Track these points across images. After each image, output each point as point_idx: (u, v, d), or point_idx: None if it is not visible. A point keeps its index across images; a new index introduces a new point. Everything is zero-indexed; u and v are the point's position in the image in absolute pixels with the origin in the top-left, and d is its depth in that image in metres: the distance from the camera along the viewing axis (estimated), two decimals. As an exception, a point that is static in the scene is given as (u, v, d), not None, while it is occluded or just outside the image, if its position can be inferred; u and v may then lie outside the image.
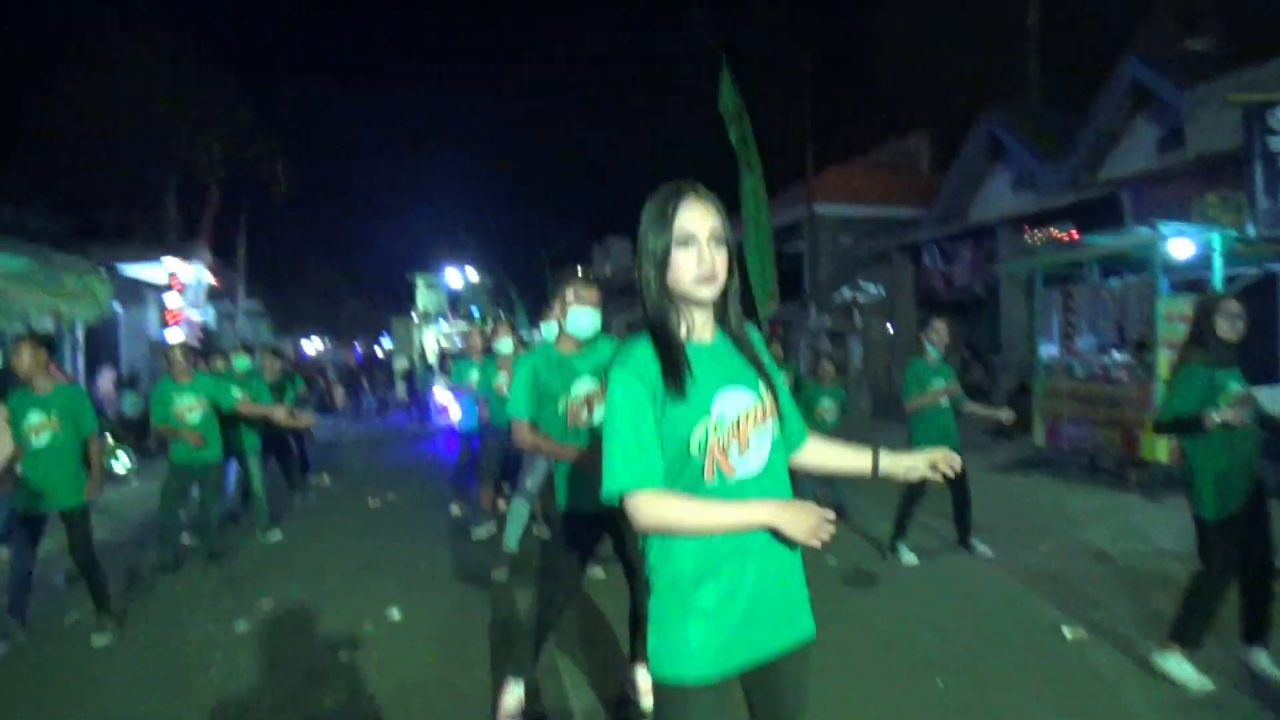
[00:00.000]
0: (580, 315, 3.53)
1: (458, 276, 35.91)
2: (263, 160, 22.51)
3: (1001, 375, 14.01)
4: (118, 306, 17.20)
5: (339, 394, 24.56)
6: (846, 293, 17.77)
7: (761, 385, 1.86)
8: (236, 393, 6.51)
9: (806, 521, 1.69)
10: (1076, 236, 11.52)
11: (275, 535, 7.22)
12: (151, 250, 18.07)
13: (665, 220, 1.77)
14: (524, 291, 42.75)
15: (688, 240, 1.76)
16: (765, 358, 1.94)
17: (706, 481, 1.76)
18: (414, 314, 37.69)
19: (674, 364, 1.76)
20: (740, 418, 1.78)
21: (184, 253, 17.42)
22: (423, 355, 30.32)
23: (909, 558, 6.15)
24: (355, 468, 12.45)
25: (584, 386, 3.55)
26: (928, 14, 19.80)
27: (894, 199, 18.21)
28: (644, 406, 1.74)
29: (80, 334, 15.17)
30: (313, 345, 38.59)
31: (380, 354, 43.15)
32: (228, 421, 6.72)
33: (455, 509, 8.10)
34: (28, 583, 4.79)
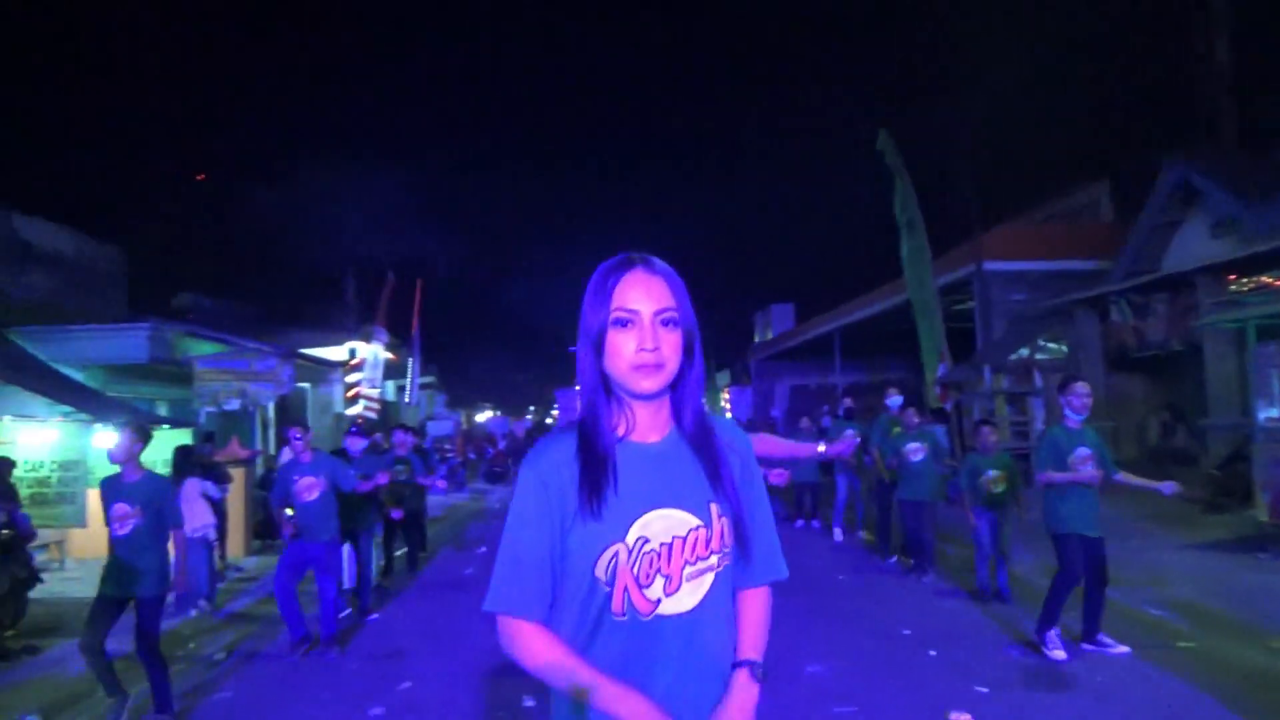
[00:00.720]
0: None
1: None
2: (432, 244, 23.85)
3: (1210, 440, 12.57)
4: (305, 384, 18.44)
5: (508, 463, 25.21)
6: (1024, 352, 16.63)
7: (714, 507, 1.53)
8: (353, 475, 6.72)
9: None
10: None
11: (373, 617, 7.38)
12: (334, 332, 19.40)
13: (603, 294, 1.51)
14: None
15: (626, 319, 1.48)
16: (739, 468, 1.61)
17: (615, 614, 1.46)
18: (577, 385, 38.48)
19: (593, 471, 1.48)
20: (672, 545, 1.47)
21: (363, 333, 18.49)
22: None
23: (1058, 652, 5.50)
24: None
25: None
26: (1098, 57, 18.73)
27: (1071, 252, 17.02)
28: (541, 519, 1.48)
29: (271, 411, 16.30)
30: (484, 416, 40.01)
31: (548, 423, 44.28)
32: (351, 502, 7.00)
33: None
34: (103, 661, 4.83)
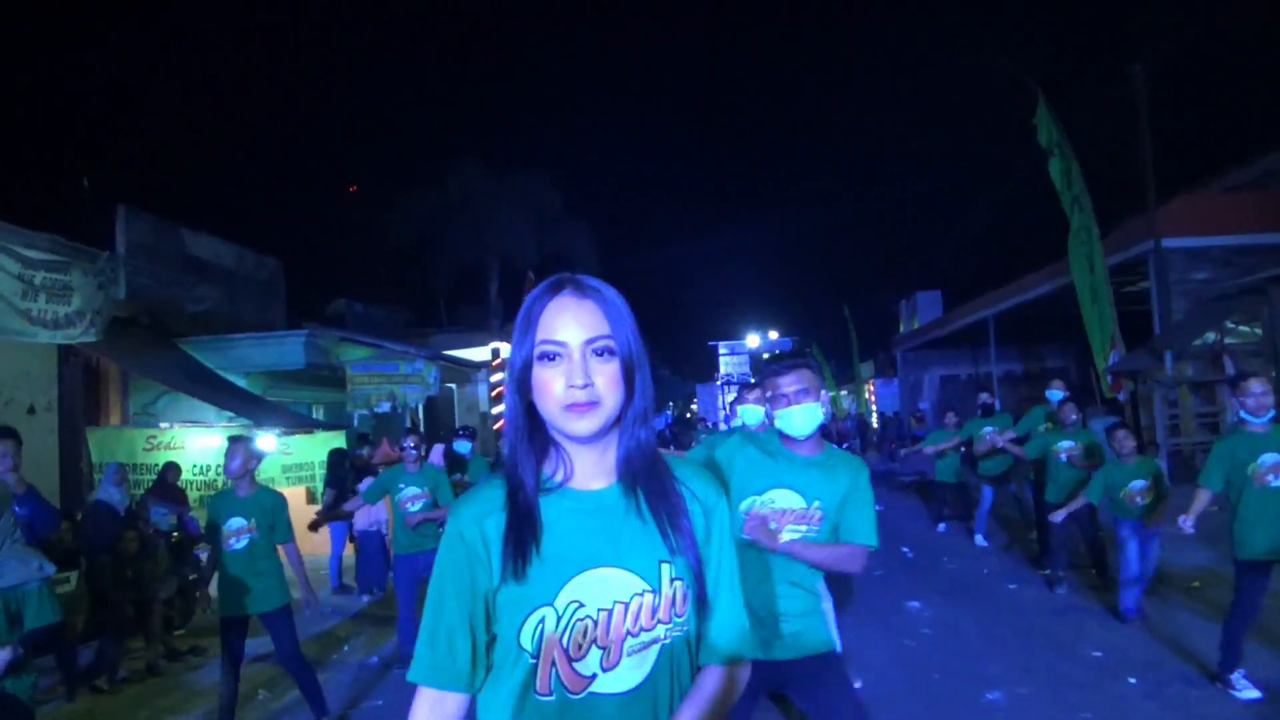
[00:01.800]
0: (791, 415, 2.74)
1: (757, 339, 35.87)
2: (572, 242, 24.14)
3: None
4: (452, 385, 18.89)
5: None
6: (1211, 336, 15.11)
7: (666, 568, 1.30)
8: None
9: None
10: None
11: None
12: (478, 334, 19.81)
13: (528, 324, 1.31)
14: (828, 350, 42.02)
15: (553, 352, 1.28)
16: (702, 519, 1.37)
17: (538, 693, 1.26)
18: (718, 380, 38.17)
19: (516, 525, 1.29)
20: (612, 611, 1.26)
21: (506, 333, 18.74)
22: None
23: (1249, 692, 4.65)
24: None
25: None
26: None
27: (1262, 224, 15.31)
28: (458, 578, 1.30)
29: (420, 412, 16.72)
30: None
31: (689, 416, 44.29)
32: None
33: None
34: (232, 689, 4.74)
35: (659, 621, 1.29)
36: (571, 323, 1.29)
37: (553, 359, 1.29)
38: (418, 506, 6.09)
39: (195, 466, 10.14)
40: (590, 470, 1.35)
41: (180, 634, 7.04)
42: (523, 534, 1.29)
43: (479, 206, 22.59)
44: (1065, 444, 7.62)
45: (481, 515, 1.32)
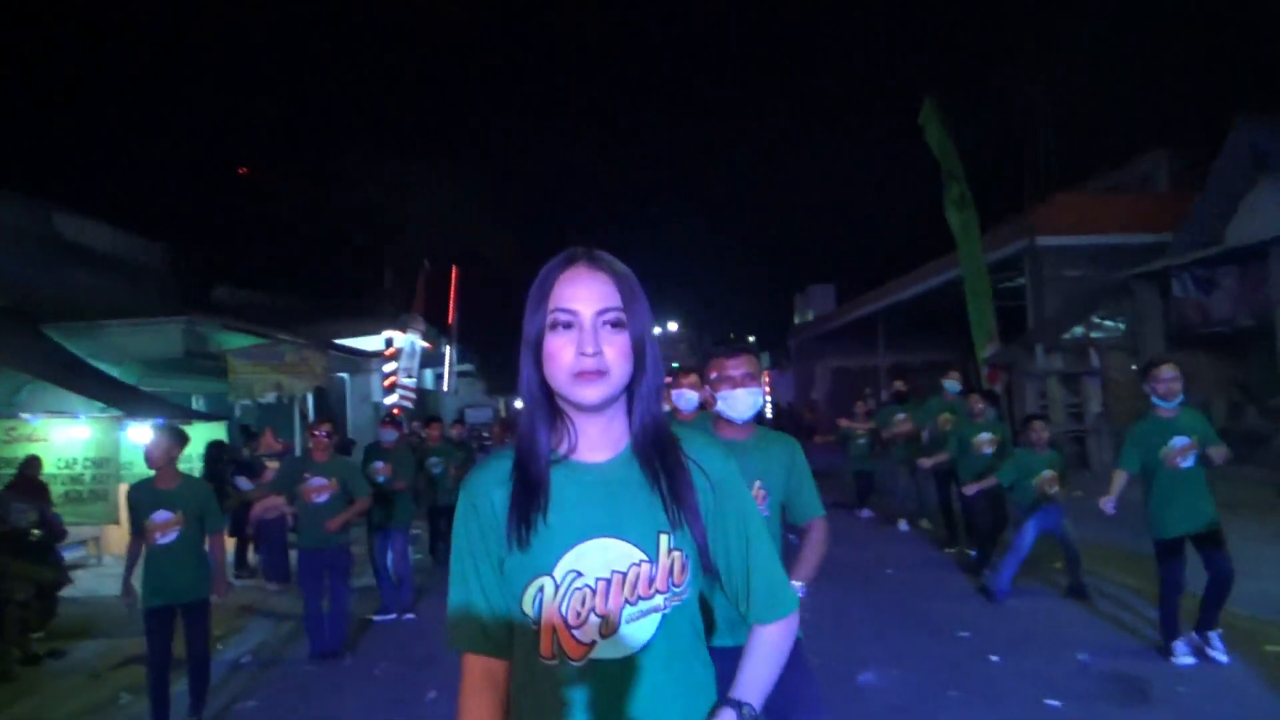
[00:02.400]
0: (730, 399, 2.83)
1: (657, 329, 36.19)
2: (474, 233, 23.80)
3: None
4: (343, 374, 18.39)
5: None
6: (1079, 330, 15.97)
7: (665, 539, 1.33)
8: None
9: None
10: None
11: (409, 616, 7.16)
12: (372, 322, 19.33)
13: (542, 294, 1.35)
14: (720, 342, 42.68)
15: (566, 320, 1.32)
16: (709, 492, 1.39)
17: (543, 657, 1.31)
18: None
19: (523, 495, 1.34)
20: (610, 580, 1.30)
21: (399, 322, 18.38)
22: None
23: (1186, 658, 4.99)
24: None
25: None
26: (1154, 18, 17.90)
27: (1129, 225, 16.26)
28: (472, 546, 1.38)
29: (310, 402, 16.23)
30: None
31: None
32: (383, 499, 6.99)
33: None
34: (164, 679, 4.59)
35: (656, 591, 1.32)
36: (585, 293, 1.32)
37: (566, 328, 1.32)
38: (323, 498, 5.92)
39: (60, 460, 9.56)
40: (595, 442, 1.38)
41: (38, 637, 6.66)
42: (528, 504, 1.33)
43: (375, 192, 22.03)
44: (984, 435, 7.85)
45: (491, 485, 1.37)
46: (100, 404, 10.19)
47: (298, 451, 14.22)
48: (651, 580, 1.32)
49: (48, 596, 6.91)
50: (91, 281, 12.44)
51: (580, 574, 1.31)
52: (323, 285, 23.15)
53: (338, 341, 17.20)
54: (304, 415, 15.86)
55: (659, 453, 1.37)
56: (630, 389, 1.37)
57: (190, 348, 11.88)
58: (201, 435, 10.53)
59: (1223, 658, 4.94)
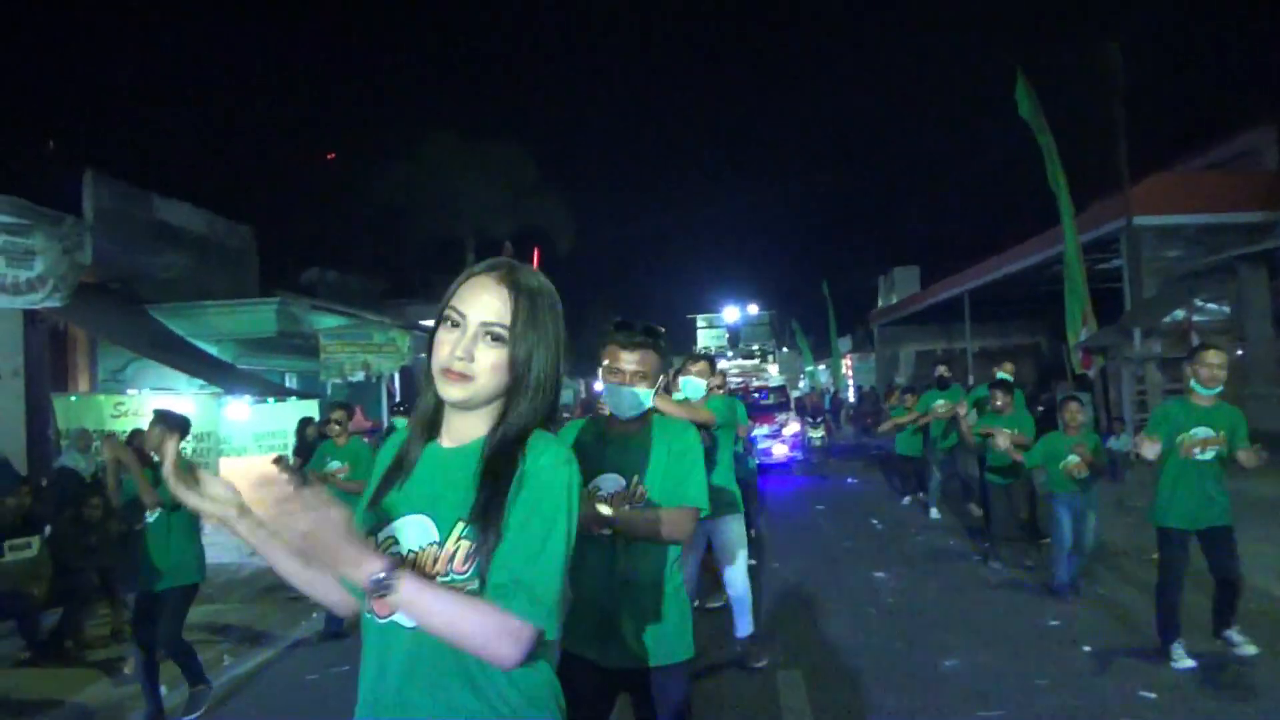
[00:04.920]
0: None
1: (735, 313, 35.88)
2: (547, 214, 24.01)
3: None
4: (425, 355, 18.83)
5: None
6: (1179, 314, 15.29)
7: (460, 526, 1.38)
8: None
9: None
10: None
11: None
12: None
13: (451, 289, 1.47)
14: (807, 325, 42.08)
15: (454, 320, 1.42)
16: (523, 494, 1.38)
17: (365, 611, 1.45)
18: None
19: (389, 461, 1.53)
20: (415, 555, 1.41)
21: (481, 303, 18.66)
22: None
23: (1185, 662, 4.76)
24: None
25: None
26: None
27: (1234, 203, 15.43)
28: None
29: (397, 381, 16.67)
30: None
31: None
32: None
33: None
34: (153, 662, 4.71)
35: (437, 573, 1.38)
36: (478, 300, 1.42)
37: (453, 326, 1.41)
38: (342, 479, 6.19)
39: (164, 434, 10.04)
40: (456, 431, 1.49)
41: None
42: (390, 469, 1.50)
43: (454, 176, 22.37)
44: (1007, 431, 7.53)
45: (395, 441, 1.57)
46: (200, 380, 10.65)
47: (385, 429, 14.65)
48: (434, 562, 1.39)
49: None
50: (190, 264, 12.97)
51: (397, 542, 1.43)
52: (407, 267, 23.69)
53: (422, 323, 17.59)
54: (390, 394, 16.31)
55: (498, 453, 1.42)
56: (508, 401, 1.45)
57: (283, 328, 12.31)
58: (294, 412, 10.93)
59: (1250, 649, 4.71)
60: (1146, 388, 14.48)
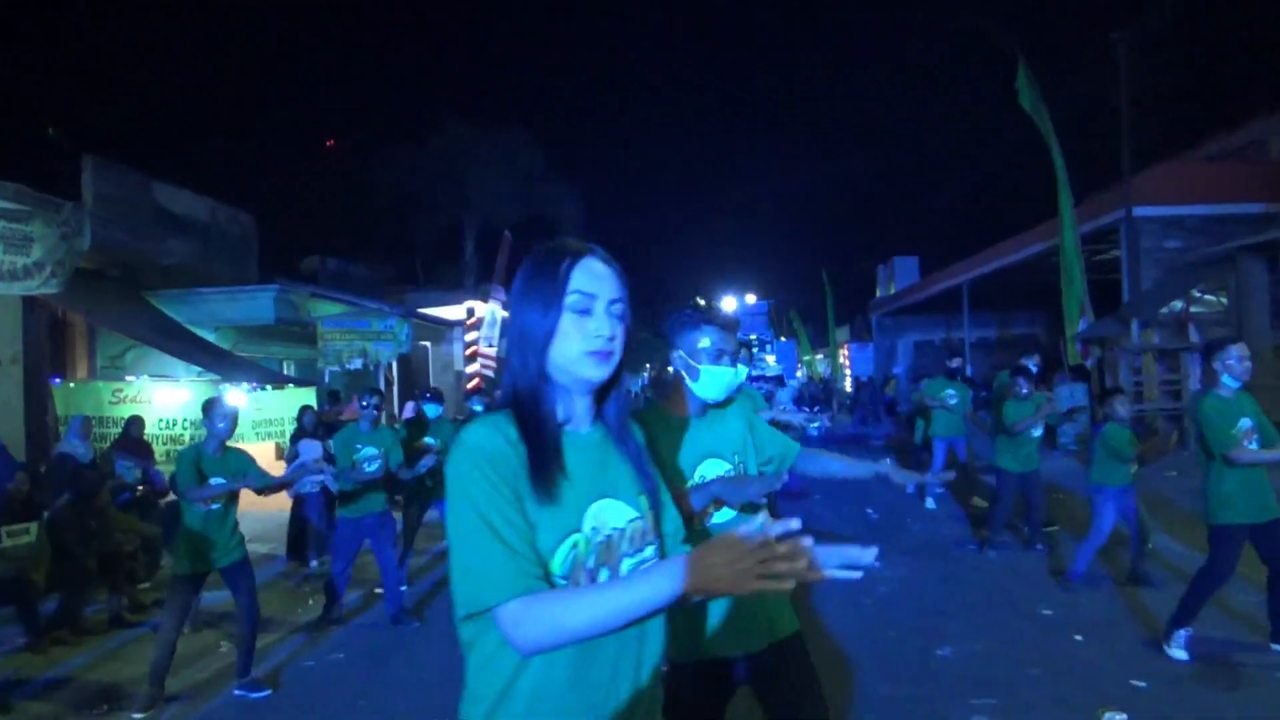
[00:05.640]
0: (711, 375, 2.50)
1: (734, 303, 35.86)
2: (553, 201, 23.96)
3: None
4: (426, 343, 18.83)
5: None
6: (1178, 305, 15.28)
7: (645, 500, 1.53)
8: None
9: (736, 561, 1.22)
10: None
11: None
12: (454, 292, 19.70)
13: (555, 279, 1.46)
14: (805, 314, 42.06)
15: (583, 304, 1.45)
16: (651, 466, 1.60)
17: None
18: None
19: (544, 455, 1.41)
20: (614, 538, 1.45)
21: (481, 292, 18.67)
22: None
23: (1180, 653, 4.79)
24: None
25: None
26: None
27: (1235, 194, 15.41)
28: (501, 493, 1.36)
29: (395, 369, 16.68)
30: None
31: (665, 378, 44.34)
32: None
33: None
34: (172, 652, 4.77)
35: (647, 543, 1.50)
36: (601, 279, 1.47)
37: (582, 309, 1.45)
38: (373, 468, 5.98)
39: (161, 421, 10.07)
40: (581, 415, 1.52)
41: (145, 587, 7.05)
42: (550, 464, 1.41)
43: (457, 164, 22.33)
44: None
45: (504, 444, 1.40)
46: (198, 367, 10.67)
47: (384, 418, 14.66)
48: (643, 534, 1.49)
49: (152, 550, 7.30)
50: (189, 250, 12.96)
51: (598, 529, 1.43)
52: (406, 255, 23.67)
53: (421, 311, 17.60)
54: (389, 382, 16.33)
55: (623, 425, 1.56)
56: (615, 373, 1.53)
57: (281, 315, 12.31)
58: (293, 400, 10.95)
59: None
60: (1143, 378, 14.50)
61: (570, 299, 1.45)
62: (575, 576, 1.39)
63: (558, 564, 1.38)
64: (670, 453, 2.40)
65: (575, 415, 1.52)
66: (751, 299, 36.35)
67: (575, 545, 1.40)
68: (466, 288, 20.16)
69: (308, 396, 11.15)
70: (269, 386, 11.49)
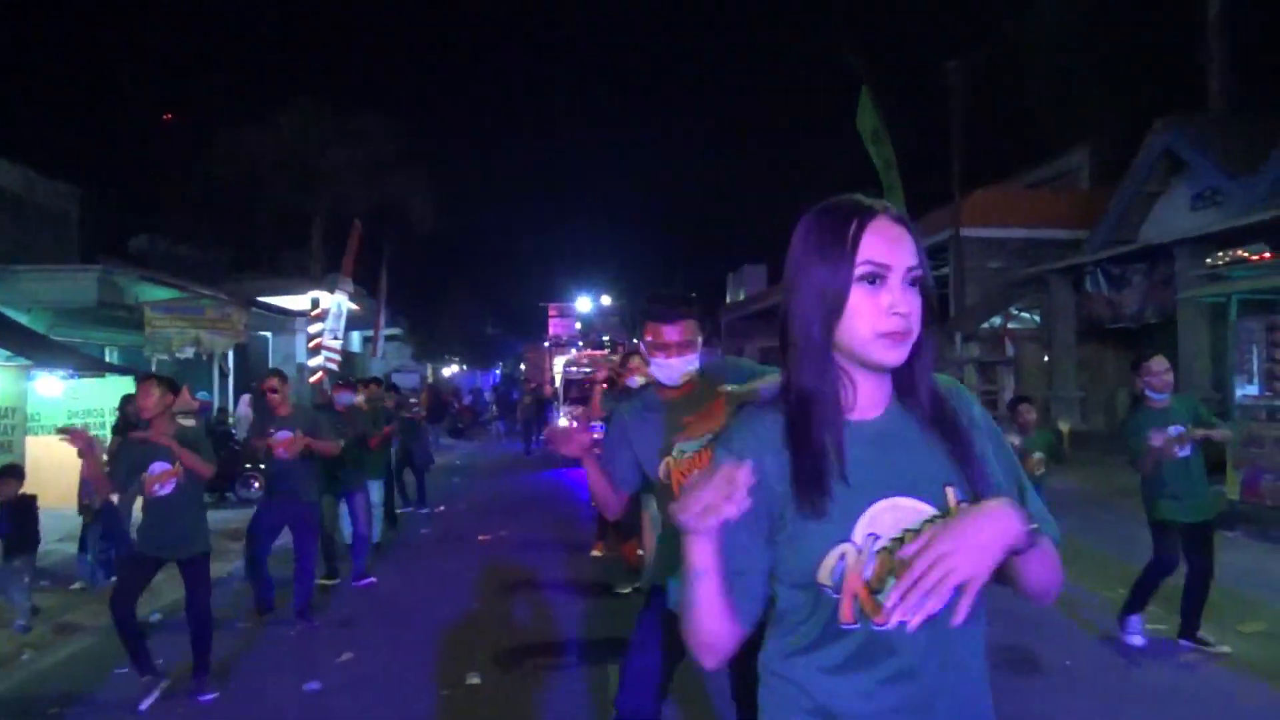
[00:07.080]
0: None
1: (588, 303, 36.09)
2: (405, 192, 23.33)
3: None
4: (266, 333, 17.99)
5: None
6: (996, 320, 16.54)
7: (951, 491, 1.24)
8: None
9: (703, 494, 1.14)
10: (1270, 258, 10.17)
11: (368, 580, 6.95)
12: (298, 281, 18.88)
13: (841, 246, 1.21)
14: (657, 300, 42.78)
15: (876, 275, 1.20)
16: (982, 436, 1.31)
17: (843, 623, 1.22)
18: (546, 341, 38.24)
19: (815, 459, 1.22)
20: (903, 541, 1.18)
21: (328, 283, 17.99)
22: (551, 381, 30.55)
23: (1136, 638, 5.14)
24: (475, 495, 12.44)
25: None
26: (1088, 18, 18.45)
27: (1050, 220, 16.90)
28: (757, 516, 1.22)
29: (230, 360, 15.85)
30: (450, 370, 39.55)
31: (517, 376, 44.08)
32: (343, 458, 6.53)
33: (596, 551, 7.75)
34: (134, 630, 4.46)
35: None
36: (895, 247, 1.22)
37: (874, 281, 1.20)
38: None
39: (-38, 409, 9.19)
40: (869, 400, 1.29)
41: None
42: (823, 467, 1.22)
43: (306, 148, 21.39)
44: None
45: (766, 449, 1.26)
46: (6, 351, 9.81)
47: (214, 409, 13.92)
48: None
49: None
50: (3, 223, 11.90)
51: (878, 536, 1.21)
52: (248, 241, 22.49)
53: (262, 299, 16.78)
54: (224, 372, 15.50)
55: (938, 407, 1.30)
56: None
57: (105, 298, 11.49)
58: (115, 389, 10.23)
59: (1224, 648, 4.97)
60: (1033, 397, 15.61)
61: (861, 270, 1.20)
62: (850, 588, 1.21)
63: (826, 574, 1.22)
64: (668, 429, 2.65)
65: (860, 402, 1.28)
66: (606, 300, 36.66)
67: (844, 556, 1.21)
68: (313, 277, 19.36)
69: (130, 386, 10.44)
70: (87, 374, 10.69)
